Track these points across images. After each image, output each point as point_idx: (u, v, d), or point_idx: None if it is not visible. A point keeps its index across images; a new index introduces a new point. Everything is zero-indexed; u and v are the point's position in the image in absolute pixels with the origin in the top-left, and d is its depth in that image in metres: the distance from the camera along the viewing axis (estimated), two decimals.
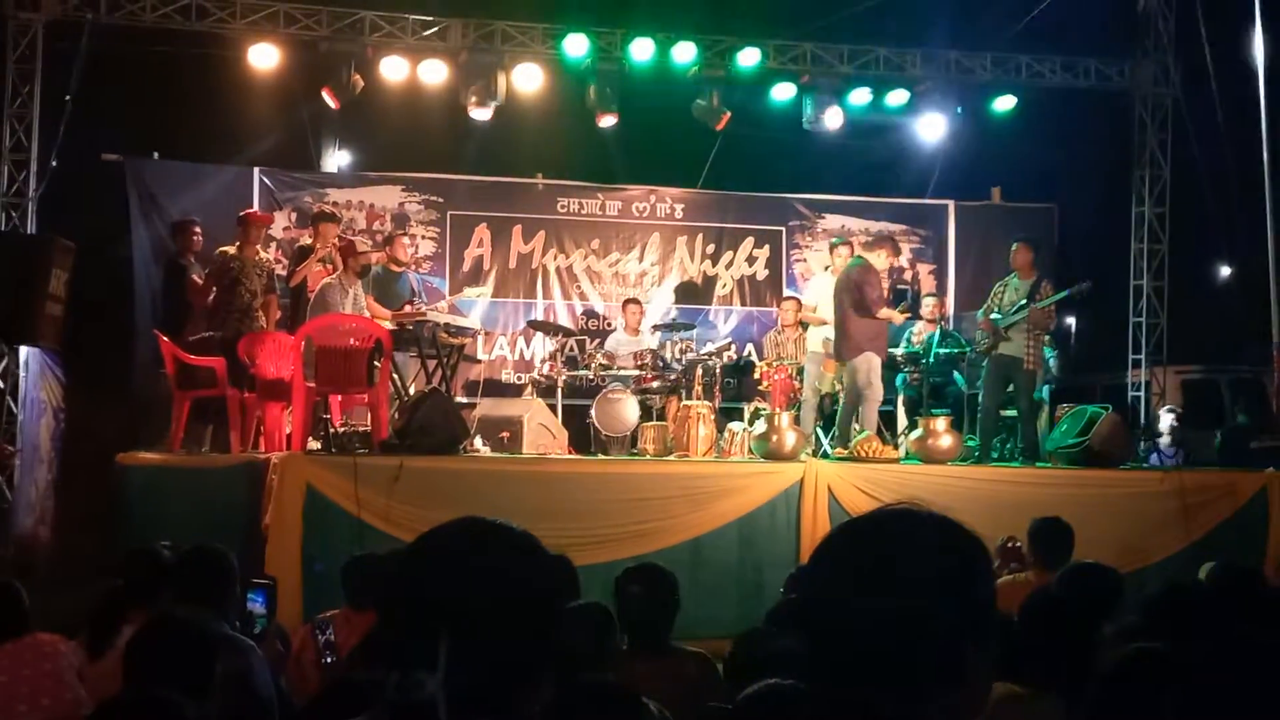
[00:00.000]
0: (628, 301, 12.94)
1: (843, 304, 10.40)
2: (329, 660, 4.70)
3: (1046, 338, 11.09)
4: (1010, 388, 10.78)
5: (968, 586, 1.73)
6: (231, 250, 10.60)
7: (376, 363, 9.61)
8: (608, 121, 13.07)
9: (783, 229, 14.34)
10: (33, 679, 4.30)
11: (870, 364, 10.28)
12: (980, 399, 10.93)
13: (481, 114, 12.74)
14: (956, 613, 1.69)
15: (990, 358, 10.71)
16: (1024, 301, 10.53)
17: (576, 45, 12.75)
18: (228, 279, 10.47)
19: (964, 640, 1.70)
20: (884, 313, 10.38)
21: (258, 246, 10.93)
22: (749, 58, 13.14)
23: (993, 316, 10.69)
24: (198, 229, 11.55)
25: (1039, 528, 6.75)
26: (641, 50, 12.87)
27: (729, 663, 4.01)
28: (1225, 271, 15.88)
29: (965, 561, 1.74)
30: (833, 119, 13.30)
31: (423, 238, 13.27)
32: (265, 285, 10.74)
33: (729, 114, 13.03)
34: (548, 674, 1.86)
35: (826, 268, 11.67)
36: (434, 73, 12.71)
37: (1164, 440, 12.62)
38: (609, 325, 13.49)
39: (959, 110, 13.55)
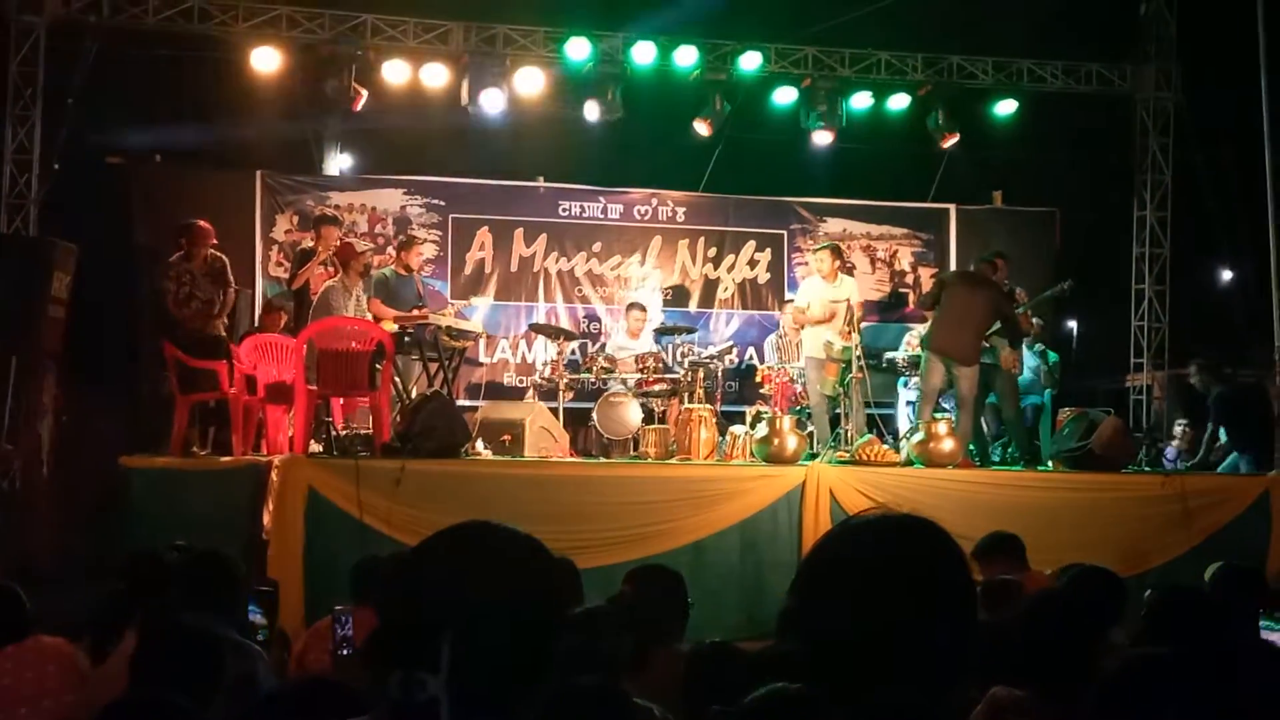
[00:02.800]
0: (631, 306, 12.93)
1: (985, 313, 10.35)
2: (345, 653, 4.72)
3: (1027, 339, 11.16)
4: (991, 395, 10.81)
5: (945, 586, 1.75)
6: (175, 258, 10.51)
7: (378, 366, 9.62)
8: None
9: (784, 232, 14.35)
10: (35, 681, 4.30)
11: (977, 376, 10.35)
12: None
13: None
14: (937, 614, 1.72)
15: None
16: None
17: (578, 49, 12.76)
18: (180, 286, 10.40)
19: (950, 638, 1.72)
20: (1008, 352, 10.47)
21: (206, 253, 10.73)
22: (750, 61, 13.16)
23: None
24: None
25: (983, 544, 6.77)
26: (643, 54, 12.89)
27: (685, 676, 4.01)
28: (1227, 275, 15.86)
29: (941, 562, 1.77)
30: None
31: (425, 241, 13.27)
32: (221, 288, 10.65)
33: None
34: (550, 677, 1.87)
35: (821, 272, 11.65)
36: (436, 76, 12.73)
37: (1174, 445, 12.61)
38: (610, 329, 13.49)
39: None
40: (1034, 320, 11.56)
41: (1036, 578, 6.27)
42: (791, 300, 12.88)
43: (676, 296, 14.05)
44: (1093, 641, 3.67)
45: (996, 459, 10.88)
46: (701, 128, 13.35)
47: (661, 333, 12.63)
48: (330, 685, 3.18)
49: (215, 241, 10.76)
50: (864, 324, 11.56)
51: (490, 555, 1.85)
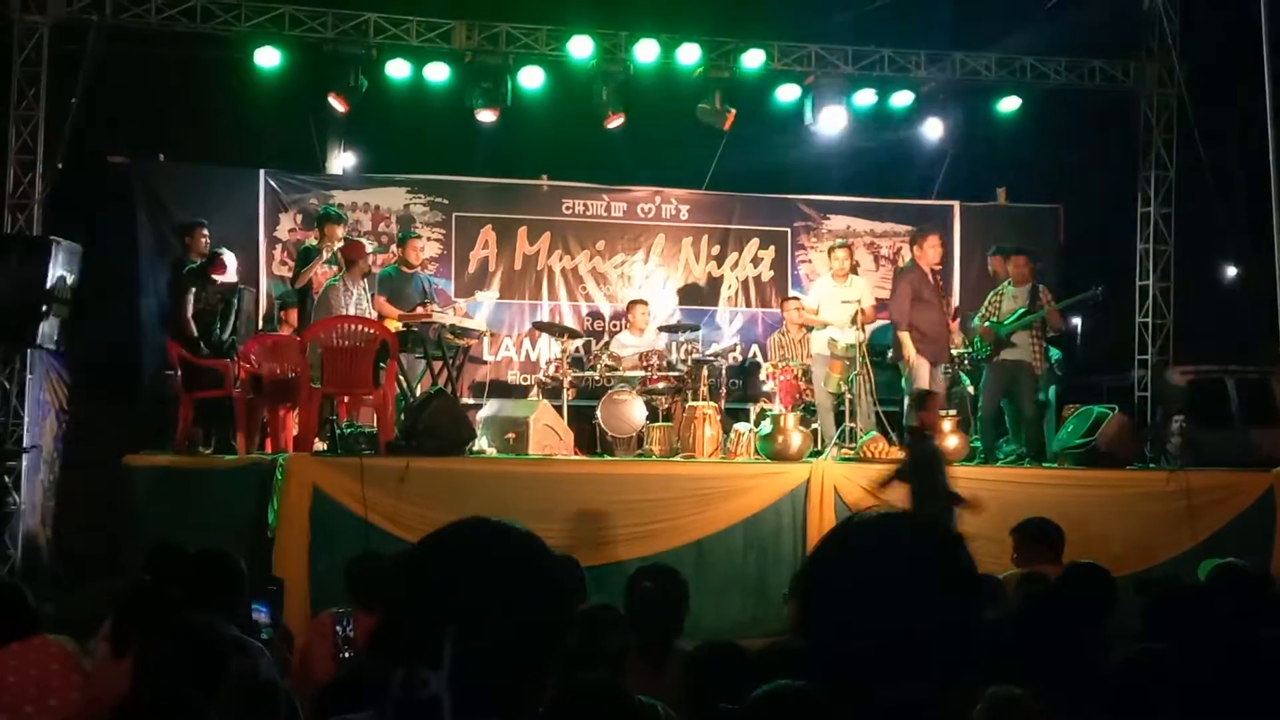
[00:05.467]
0: (633, 302, 12.93)
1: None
2: (346, 655, 4.73)
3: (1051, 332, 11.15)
4: (1010, 392, 10.80)
5: (948, 583, 1.75)
6: (193, 272, 10.52)
7: (382, 364, 9.62)
8: (615, 123, 13.05)
9: (788, 230, 14.34)
10: (40, 680, 4.30)
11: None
12: (980, 402, 10.95)
13: (486, 116, 12.75)
14: (945, 611, 1.72)
15: (992, 364, 10.71)
16: (1024, 308, 10.56)
17: (581, 47, 12.75)
18: (197, 301, 10.42)
19: (955, 636, 1.72)
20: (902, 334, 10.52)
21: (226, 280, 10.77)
22: (753, 59, 13.13)
23: (989, 322, 10.69)
24: (205, 231, 11.55)
25: (1022, 527, 6.80)
26: (646, 52, 12.86)
27: (689, 674, 4.02)
28: (1231, 271, 15.85)
29: (944, 559, 1.77)
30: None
31: (428, 239, 13.27)
32: (225, 301, 10.69)
33: (734, 111, 12.96)
34: (553, 674, 1.87)
35: (834, 271, 11.64)
36: (439, 74, 12.72)
37: (1173, 443, 12.60)
38: (614, 326, 13.49)
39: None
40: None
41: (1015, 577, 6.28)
42: (796, 298, 12.88)
43: (680, 294, 14.05)
44: (1086, 637, 3.68)
45: (1001, 456, 10.87)
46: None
47: (665, 330, 12.63)
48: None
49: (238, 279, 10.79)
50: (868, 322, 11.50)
51: (491, 551, 1.85)
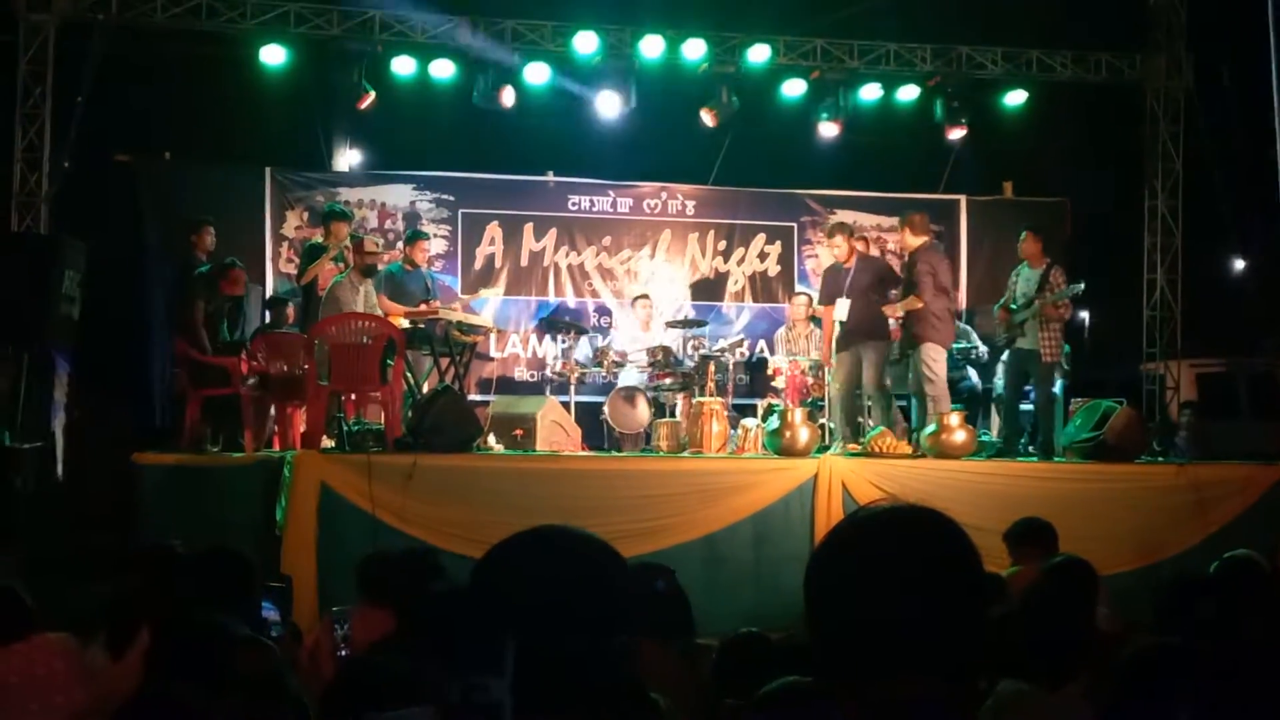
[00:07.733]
0: (638, 298, 12.94)
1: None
2: (344, 654, 4.72)
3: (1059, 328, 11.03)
4: (1029, 381, 10.76)
5: (954, 577, 1.74)
6: (207, 276, 10.58)
7: (390, 361, 9.63)
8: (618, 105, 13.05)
9: (794, 225, 14.33)
10: (45, 679, 4.30)
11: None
12: (1001, 393, 10.92)
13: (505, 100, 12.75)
14: (951, 606, 1.71)
15: (1010, 351, 10.70)
16: (1033, 292, 10.54)
17: (586, 43, 12.75)
18: (208, 304, 10.47)
19: (961, 631, 1.71)
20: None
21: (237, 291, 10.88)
22: (759, 54, 13.13)
23: (1010, 308, 10.69)
24: (211, 229, 11.56)
25: (1014, 530, 6.77)
26: (651, 47, 12.87)
27: (717, 666, 4.01)
28: (1239, 264, 15.80)
29: (950, 553, 1.76)
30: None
31: (434, 236, 13.28)
32: (233, 302, 10.75)
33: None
34: (614, 678, 1.85)
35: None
36: (444, 71, 12.73)
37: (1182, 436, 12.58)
38: (620, 322, 13.49)
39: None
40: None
41: (1026, 574, 6.26)
42: (804, 293, 12.86)
43: (687, 289, 14.04)
44: (1078, 631, 3.68)
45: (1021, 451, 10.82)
46: (707, 118, 13.26)
47: (672, 326, 12.63)
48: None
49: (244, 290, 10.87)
50: None
51: (559, 558, 1.83)
